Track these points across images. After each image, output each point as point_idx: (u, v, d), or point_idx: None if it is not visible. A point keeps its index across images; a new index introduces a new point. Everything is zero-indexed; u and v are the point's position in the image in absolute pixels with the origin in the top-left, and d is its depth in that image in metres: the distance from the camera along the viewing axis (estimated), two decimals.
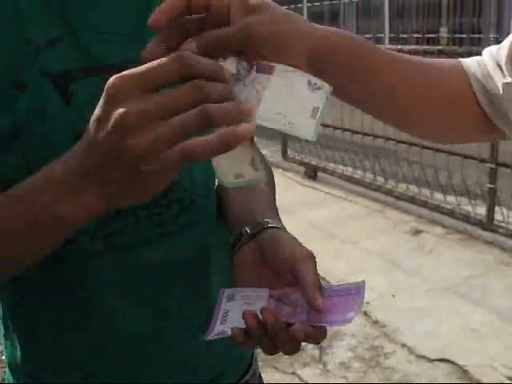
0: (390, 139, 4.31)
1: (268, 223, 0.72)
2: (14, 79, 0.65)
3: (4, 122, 0.65)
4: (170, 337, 0.76)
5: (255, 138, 0.55)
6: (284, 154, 5.62)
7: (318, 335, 0.60)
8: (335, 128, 4.94)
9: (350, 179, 4.69)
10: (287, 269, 0.65)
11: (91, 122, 0.51)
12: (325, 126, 5.08)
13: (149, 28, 0.55)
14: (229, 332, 0.61)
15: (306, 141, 5.25)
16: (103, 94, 0.50)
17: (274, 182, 0.91)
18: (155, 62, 0.49)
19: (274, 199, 0.85)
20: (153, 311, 0.75)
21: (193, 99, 0.48)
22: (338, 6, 9.03)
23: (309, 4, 9.73)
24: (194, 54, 0.50)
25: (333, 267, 3.28)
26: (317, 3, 8.86)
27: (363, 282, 0.61)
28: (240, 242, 0.73)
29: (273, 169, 3.52)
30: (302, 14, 9.92)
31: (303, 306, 0.61)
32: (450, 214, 3.79)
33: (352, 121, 4.65)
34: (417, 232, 3.74)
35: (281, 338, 0.60)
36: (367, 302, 2.97)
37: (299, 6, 9.15)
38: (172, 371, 0.79)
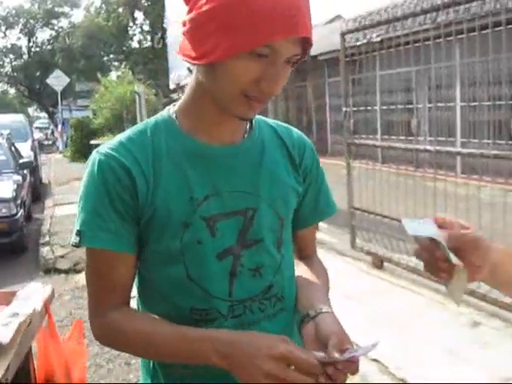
0: None
1: (322, 310, 1.13)
2: (183, 221, 1.12)
3: (176, 245, 1.12)
4: None
5: None
6: (353, 244, 5.93)
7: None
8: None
9: (414, 270, 4.91)
10: (325, 341, 1.04)
11: (255, 349, 0.99)
12: (391, 218, 5.38)
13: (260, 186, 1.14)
14: None
15: (374, 232, 5.57)
16: (282, 350, 0.98)
17: (328, 278, 1.33)
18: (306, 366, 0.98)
19: (327, 291, 1.27)
20: None
21: None
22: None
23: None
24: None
25: (391, 355, 3.50)
26: None
27: (378, 341, 1.00)
28: (305, 320, 1.14)
29: (341, 257, 4.15)
30: None
31: None
32: (508, 307, 3.94)
33: (417, 215, 4.93)
34: (476, 324, 3.92)
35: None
36: None
37: None
38: None
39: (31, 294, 1.75)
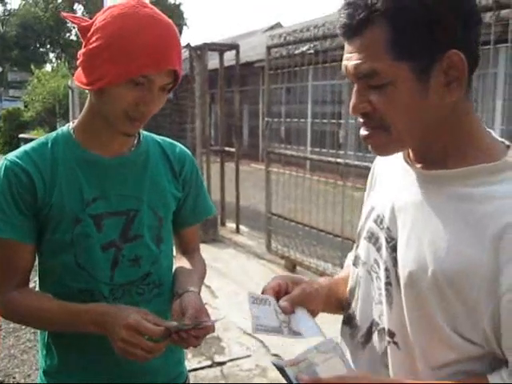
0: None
1: (189, 289, 1.38)
2: (74, 217, 1.35)
3: (67, 238, 1.35)
4: None
5: None
6: (269, 247, 6.24)
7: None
8: (319, 230, 5.60)
9: (322, 274, 5.24)
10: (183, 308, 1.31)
11: (113, 325, 1.22)
12: (311, 227, 5.69)
13: (143, 193, 1.40)
14: None
15: (288, 236, 5.89)
16: (127, 323, 1.22)
17: (205, 271, 1.60)
18: (151, 333, 1.21)
19: (201, 279, 1.53)
20: None
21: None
22: None
23: None
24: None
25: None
26: None
27: (223, 317, 1.28)
28: (174, 297, 1.38)
29: (257, 260, 4.52)
30: None
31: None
32: None
33: (334, 223, 5.26)
34: None
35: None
36: None
37: None
38: (140, 373, 1.44)
39: None
